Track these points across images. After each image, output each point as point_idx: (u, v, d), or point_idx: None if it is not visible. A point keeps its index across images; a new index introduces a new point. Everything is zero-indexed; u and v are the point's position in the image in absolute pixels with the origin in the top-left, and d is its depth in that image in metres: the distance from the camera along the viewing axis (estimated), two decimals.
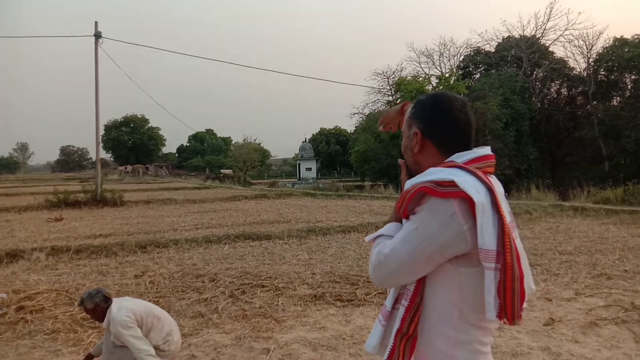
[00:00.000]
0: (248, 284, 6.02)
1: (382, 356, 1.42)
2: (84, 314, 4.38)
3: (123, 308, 3.41)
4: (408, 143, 1.50)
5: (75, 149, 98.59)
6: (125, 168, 62.05)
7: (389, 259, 1.35)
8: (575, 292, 5.44)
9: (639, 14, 70.96)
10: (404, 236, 1.33)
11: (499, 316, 1.26)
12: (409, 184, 1.39)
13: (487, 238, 1.24)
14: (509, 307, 1.25)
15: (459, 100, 1.46)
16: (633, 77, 32.55)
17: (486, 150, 1.44)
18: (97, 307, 3.43)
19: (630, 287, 5.62)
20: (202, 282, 6.21)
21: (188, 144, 78.78)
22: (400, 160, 1.60)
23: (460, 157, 1.39)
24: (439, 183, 1.28)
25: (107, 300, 3.46)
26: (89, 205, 16.90)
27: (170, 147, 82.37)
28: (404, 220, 1.40)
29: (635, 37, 31.95)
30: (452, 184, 1.26)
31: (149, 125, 73.28)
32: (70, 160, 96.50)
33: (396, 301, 1.42)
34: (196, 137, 77.45)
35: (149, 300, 5.26)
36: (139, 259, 7.79)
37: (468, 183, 1.26)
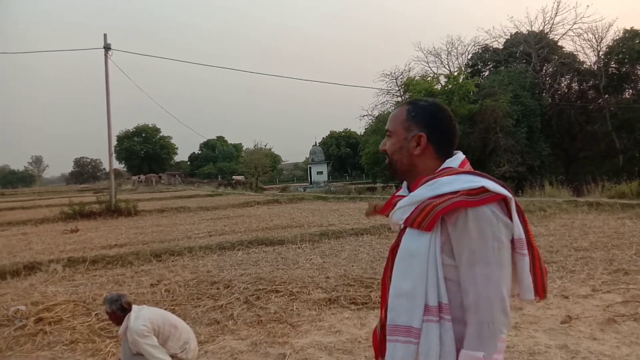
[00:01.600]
0: (262, 289, 6.04)
1: None
2: (104, 320, 4.45)
3: (140, 317, 3.46)
4: (404, 144, 1.53)
5: (88, 160, 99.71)
6: (139, 178, 62.66)
7: (500, 291, 1.34)
8: (592, 289, 5.39)
9: None
10: (489, 261, 1.33)
11: (538, 294, 1.44)
12: (417, 197, 1.43)
13: (519, 228, 1.40)
14: (540, 284, 1.44)
15: (450, 111, 1.60)
16: None
17: (461, 153, 1.57)
18: (114, 313, 3.49)
19: None
20: (217, 288, 6.24)
21: (200, 152, 79.24)
22: None
23: (454, 161, 1.51)
24: (470, 193, 1.35)
25: (124, 310, 3.51)
26: (103, 216, 17.07)
27: (182, 155, 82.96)
28: (428, 234, 1.38)
29: None
30: (484, 189, 1.35)
31: (161, 134, 73.89)
32: (84, 172, 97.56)
33: (427, 313, 1.38)
34: (207, 145, 77.87)
35: (165, 309, 5.31)
36: (154, 268, 7.86)
37: (494, 185, 1.38)
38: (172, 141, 75.95)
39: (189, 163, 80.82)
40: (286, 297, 5.71)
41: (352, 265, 7.20)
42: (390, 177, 33.98)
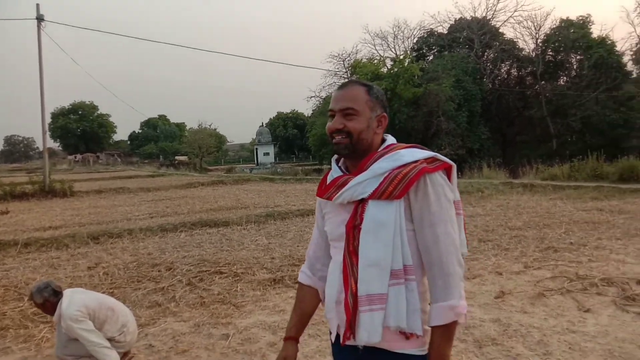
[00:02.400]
0: (206, 271, 5.96)
1: (410, 328, 1.45)
2: (35, 308, 4.24)
3: (74, 302, 3.31)
4: (370, 124, 1.56)
5: (20, 138, 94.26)
6: (75, 157, 59.82)
7: (456, 245, 1.49)
8: (524, 266, 5.67)
9: None
10: (446, 220, 1.47)
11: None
12: (381, 169, 1.50)
13: (457, 192, 1.60)
14: (467, 241, 1.65)
15: None
16: (578, 57, 33.81)
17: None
18: (47, 301, 3.32)
19: (575, 258, 5.90)
20: (159, 271, 6.10)
21: (140, 131, 76.56)
22: None
23: (392, 139, 1.64)
24: (427, 161, 1.50)
25: (57, 294, 3.35)
26: (37, 197, 16.26)
27: (121, 134, 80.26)
28: (394, 203, 1.47)
29: (580, 18, 33.16)
30: (435, 158, 1.51)
31: (99, 112, 70.69)
32: (16, 151, 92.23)
33: (393, 277, 1.46)
34: (148, 124, 75.33)
35: (103, 292, 5.13)
36: (92, 250, 7.57)
37: (440, 155, 1.54)
38: (111, 119, 72.98)
39: (129, 142, 77.99)
40: (230, 278, 5.66)
41: (298, 246, 7.22)
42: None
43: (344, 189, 1.54)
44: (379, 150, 1.57)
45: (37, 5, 18.24)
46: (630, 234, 7.10)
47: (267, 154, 51.59)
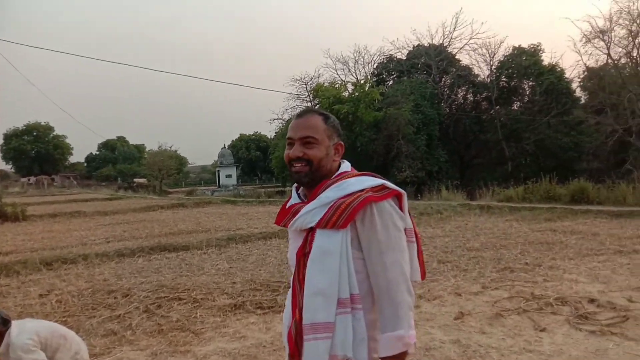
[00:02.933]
0: (164, 297, 5.81)
1: (357, 358, 1.46)
2: None
3: (24, 330, 3.17)
4: (329, 152, 1.61)
5: None
6: (29, 180, 57.59)
7: (405, 274, 1.50)
8: (482, 286, 5.79)
9: (533, 25, 77.42)
10: (394, 248, 1.49)
11: (421, 276, 1.66)
12: (328, 198, 1.51)
13: (409, 219, 1.61)
14: (422, 267, 1.67)
15: None
16: (530, 83, 35.25)
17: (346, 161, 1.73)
18: None
19: (531, 278, 6.07)
20: (115, 298, 5.90)
21: (98, 153, 74.69)
22: None
23: (347, 166, 1.66)
24: (375, 189, 1.51)
25: (6, 323, 3.19)
26: None
27: (78, 156, 77.71)
28: (341, 232, 1.47)
29: (531, 46, 34.67)
30: (384, 187, 1.53)
31: (54, 133, 68.65)
32: None
33: (340, 306, 1.46)
34: (107, 145, 73.62)
35: (56, 321, 4.91)
36: (44, 277, 7.26)
37: (390, 183, 1.55)
38: (67, 141, 70.93)
39: (85, 164, 75.89)
40: (189, 304, 5.53)
41: (260, 270, 7.14)
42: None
43: (296, 217, 1.58)
44: (332, 178, 1.59)
45: None
46: (582, 253, 7.37)
47: (229, 176, 51.05)
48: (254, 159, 63.73)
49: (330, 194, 1.52)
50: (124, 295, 5.97)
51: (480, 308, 4.98)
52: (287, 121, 35.97)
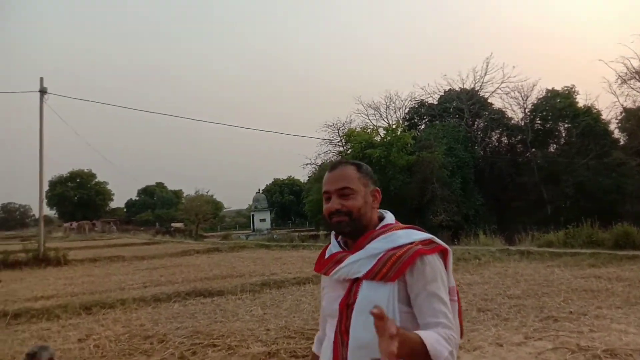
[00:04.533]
0: (199, 343, 5.81)
1: None
2: None
3: None
4: (368, 200, 1.61)
5: (17, 206, 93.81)
6: (71, 225, 59.51)
7: (455, 333, 1.46)
8: (524, 336, 5.56)
9: (565, 68, 76.96)
10: (445, 303, 1.46)
11: (461, 336, 1.58)
12: (376, 249, 1.51)
13: (452, 278, 1.57)
14: (462, 327, 1.62)
15: None
16: (566, 125, 34.73)
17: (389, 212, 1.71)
18: None
19: (576, 328, 5.80)
20: (151, 343, 5.94)
21: (137, 198, 76.80)
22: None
23: (391, 217, 1.66)
24: (423, 243, 1.51)
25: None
26: (30, 265, 16.00)
27: (118, 201, 79.93)
28: (389, 285, 1.45)
29: (565, 89, 34.38)
30: (431, 241, 1.53)
31: (96, 180, 71.18)
32: (12, 219, 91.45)
33: None
34: (146, 191, 75.72)
35: None
36: (83, 322, 7.39)
37: (436, 238, 1.54)
38: (109, 187, 73.34)
39: (125, 210, 77.94)
40: (224, 351, 5.51)
41: (294, 316, 7.08)
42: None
43: (340, 266, 1.56)
44: (377, 228, 1.59)
45: (41, 79, 18.89)
46: (630, 302, 7.03)
47: (263, 220, 51.48)
48: (288, 203, 64.16)
49: (378, 245, 1.51)
50: (159, 341, 6.00)
51: None
52: (319, 165, 36.33)
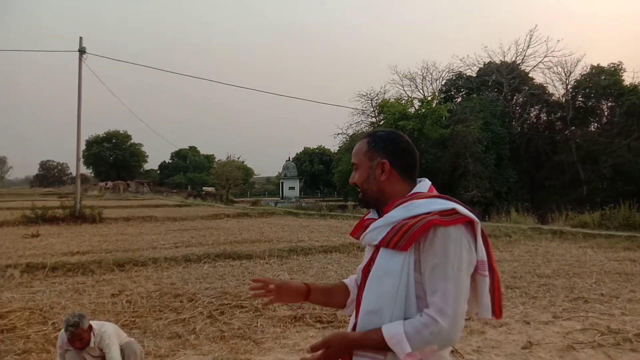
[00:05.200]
0: (227, 304, 5.95)
1: None
2: (58, 332, 4.28)
3: (104, 326, 3.57)
4: (370, 173, 1.59)
5: (55, 164, 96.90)
6: (106, 184, 61.29)
7: (458, 313, 1.38)
8: (553, 316, 5.49)
9: (613, 44, 73.40)
10: (449, 279, 1.38)
11: (495, 314, 1.50)
12: (393, 218, 1.48)
13: (482, 251, 1.48)
14: (498, 305, 1.51)
15: (407, 137, 1.68)
16: (609, 104, 33.44)
17: (427, 180, 1.64)
18: (85, 331, 3.44)
19: (607, 310, 5.68)
20: (181, 301, 6.11)
21: (170, 161, 78.21)
22: None
23: (423, 186, 1.59)
24: (443, 213, 1.41)
25: (91, 328, 3.54)
26: (67, 222, 16.64)
27: (152, 163, 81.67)
28: (403, 254, 1.42)
29: (611, 65, 32.91)
30: (454, 211, 1.43)
31: (132, 141, 72.72)
32: (50, 176, 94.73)
33: None
34: (179, 154, 76.98)
35: (126, 320, 5.21)
36: (117, 278, 7.65)
37: (463, 208, 1.45)
38: (143, 149, 74.88)
39: (158, 172, 79.59)
40: (251, 313, 5.63)
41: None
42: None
43: (365, 232, 1.59)
44: (407, 196, 1.56)
45: (80, 38, 19.16)
46: None
47: (292, 188, 51.93)
48: (317, 172, 64.25)
49: (396, 214, 1.49)
50: (189, 300, 6.17)
51: (551, 339, 4.71)
52: (351, 136, 36.13)
